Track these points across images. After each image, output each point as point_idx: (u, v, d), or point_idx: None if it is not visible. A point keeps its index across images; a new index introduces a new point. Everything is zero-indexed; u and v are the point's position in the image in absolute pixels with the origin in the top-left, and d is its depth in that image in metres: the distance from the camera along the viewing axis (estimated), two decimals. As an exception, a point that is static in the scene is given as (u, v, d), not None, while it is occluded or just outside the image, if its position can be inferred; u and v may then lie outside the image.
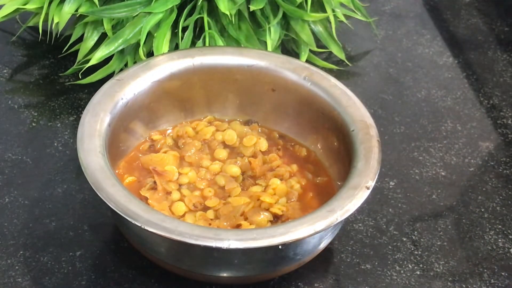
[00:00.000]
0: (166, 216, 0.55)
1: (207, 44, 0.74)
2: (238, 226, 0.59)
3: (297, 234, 0.53)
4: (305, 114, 0.66)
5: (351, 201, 0.56)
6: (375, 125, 0.62)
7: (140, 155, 0.65)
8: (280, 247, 0.55)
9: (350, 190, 0.56)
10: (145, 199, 0.61)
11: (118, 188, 0.55)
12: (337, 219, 0.55)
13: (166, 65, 0.66)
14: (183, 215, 0.60)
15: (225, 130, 0.67)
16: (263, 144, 0.65)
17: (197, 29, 0.76)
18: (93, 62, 0.73)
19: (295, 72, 0.66)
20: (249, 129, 0.67)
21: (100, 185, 0.55)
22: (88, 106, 0.61)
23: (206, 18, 0.75)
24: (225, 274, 0.58)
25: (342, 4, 0.82)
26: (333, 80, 0.66)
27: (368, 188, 0.57)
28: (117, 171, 0.63)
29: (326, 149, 0.65)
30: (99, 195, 0.55)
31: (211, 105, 0.69)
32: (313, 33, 0.80)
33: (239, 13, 0.76)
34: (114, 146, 0.62)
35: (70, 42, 0.77)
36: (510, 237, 0.66)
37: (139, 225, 0.53)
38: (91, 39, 0.76)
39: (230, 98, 0.69)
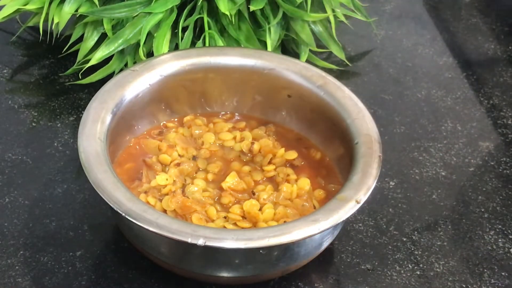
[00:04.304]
0: (149, 207, 0.55)
1: (207, 44, 0.74)
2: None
3: (273, 241, 0.53)
4: (317, 122, 0.66)
5: (337, 213, 0.55)
6: (380, 139, 0.62)
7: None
8: (261, 251, 0.55)
9: (340, 202, 0.56)
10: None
11: (108, 175, 0.56)
12: (319, 229, 0.54)
13: (183, 61, 0.66)
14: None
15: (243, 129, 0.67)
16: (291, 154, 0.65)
17: (197, 29, 0.76)
18: (93, 62, 0.73)
19: (311, 80, 0.66)
20: (264, 133, 0.67)
21: (92, 170, 0.56)
22: (98, 92, 0.62)
23: (206, 18, 0.75)
24: (224, 274, 0.58)
25: (342, 4, 0.82)
26: (347, 91, 0.66)
27: (358, 203, 0.56)
28: (118, 159, 0.64)
29: (335, 157, 0.65)
30: (89, 179, 0.55)
31: (226, 103, 0.69)
32: (313, 33, 0.80)
33: (239, 13, 0.76)
34: (120, 134, 0.63)
35: (70, 42, 0.77)
36: (510, 237, 0.66)
37: (121, 212, 0.53)
38: (91, 39, 0.76)
39: (245, 99, 0.69)
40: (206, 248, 0.52)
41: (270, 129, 0.68)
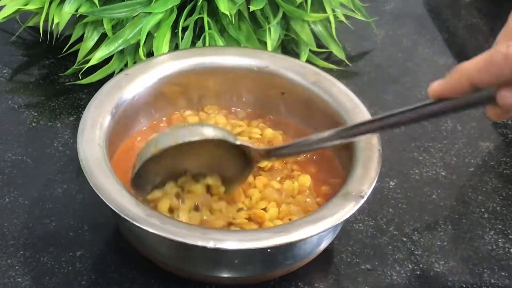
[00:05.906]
0: (155, 212, 0.55)
1: (207, 44, 0.74)
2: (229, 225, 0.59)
3: (282, 239, 0.53)
4: (314, 118, 0.66)
5: (343, 208, 0.55)
6: (378, 134, 0.62)
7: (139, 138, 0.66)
8: (269, 250, 0.54)
9: (344, 198, 0.56)
10: None
11: (111, 181, 0.56)
12: (327, 226, 0.54)
13: (176, 62, 0.66)
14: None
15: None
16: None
17: (197, 29, 0.77)
18: (93, 62, 0.73)
19: (305, 77, 0.66)
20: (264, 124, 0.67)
21: (95, 177, 0.56)
22: (95, 96, 0.62)
23: (206, 18, 0.75)
24: (225, 275, 0.58)
25: (342, 4, 0.82)
26: (342, 87, 0.66)
27: (362, 197, 0.56)
28: (115, 160, 0.63)
29: (336, 152, 0.65)
30: (92, 186, 0.55)
31: (221, 101, 0.69)
32: (313, 33, 0.80)
33: (239, 13, 0.76)
34: (117, 137, 0.63)
35: (70, 42, 0.77)
36: (510, 237, 0.66)
37: (128, 219, 0.53)
38: (91, 39, 0.76)
39: (243, 98, 0.69)
40: (211, 250, 0.52)
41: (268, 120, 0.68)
